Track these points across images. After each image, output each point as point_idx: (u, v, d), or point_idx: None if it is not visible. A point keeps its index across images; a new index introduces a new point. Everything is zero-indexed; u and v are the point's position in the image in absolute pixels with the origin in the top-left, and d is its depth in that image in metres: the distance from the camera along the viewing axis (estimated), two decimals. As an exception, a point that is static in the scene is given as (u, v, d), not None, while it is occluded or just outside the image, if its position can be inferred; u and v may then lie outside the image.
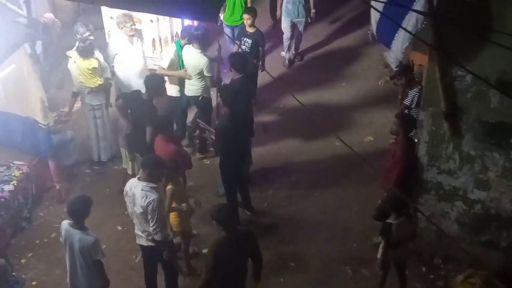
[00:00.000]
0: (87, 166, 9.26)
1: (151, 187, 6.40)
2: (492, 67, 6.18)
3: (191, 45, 8.76)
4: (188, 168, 7.70)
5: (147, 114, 7.85)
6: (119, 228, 8.22)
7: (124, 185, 8.58)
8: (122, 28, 8.97)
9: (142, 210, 6.38)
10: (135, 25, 9.05)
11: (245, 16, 9.76)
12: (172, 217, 7.15)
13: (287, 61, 11.43)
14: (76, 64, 8.59)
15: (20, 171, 8.20)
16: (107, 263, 6.81)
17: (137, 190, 6.42)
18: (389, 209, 6.53)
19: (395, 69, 9.13)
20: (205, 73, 8.71)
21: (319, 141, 9.61)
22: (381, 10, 6.73)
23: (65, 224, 6.23)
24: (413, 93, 8.11)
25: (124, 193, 6.66)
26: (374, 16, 7.27)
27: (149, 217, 6.37)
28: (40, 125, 8.33)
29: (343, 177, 8.98)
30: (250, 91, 9.03)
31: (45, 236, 8.10)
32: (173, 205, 7.02)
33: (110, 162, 9.25)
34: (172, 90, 9.09)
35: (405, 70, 8.36)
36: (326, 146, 9.50)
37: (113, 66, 9.10)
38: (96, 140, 9.06)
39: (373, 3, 6.58)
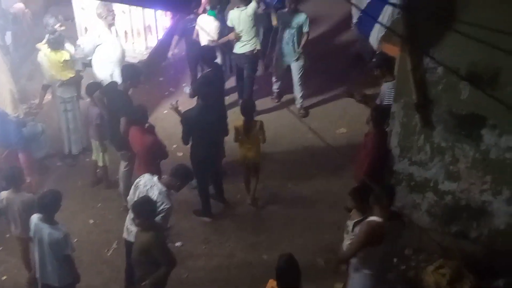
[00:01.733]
0: (59, 159, 9.17)
1: (168, 194, 6.44)
2: (463, 59, 6.21)
3: (234, 9, 9.64)
4: (164, 158, 7.68)
5: (122, 105, 7.81)
6: (91, 221, 8.18)
7: (95, 177, 8.59)
8: (104, 17, 8.85)
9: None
10: (109, 17, 8.95)
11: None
12: None
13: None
14: (47, 56, 8.48)
15: (-10, 164, 8.08)
16: (79, 256, 6.78)
17: (153, 191, 6.42)
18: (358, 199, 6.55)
19: (371, 60, 9.14)
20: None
21: (292, 133, 9.63)
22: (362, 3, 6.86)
23: (35, 218, 6.17)
24: (386, 85, 8.08)
25: (135, 184, 6.62)
26: (355, 9, 7.32)
27: (156, 219, 6.25)
28: (10, 117, 8.23)
29: (317, 169, 9.01)
30: (223, 86, 9.01)
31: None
32: None
33: (81, 154, 9.17)
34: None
35: (381, 63, 8.27)
36: (299, 137, 9.53)
37: (90, 59, 9.00)
38: (67, 133, 8.97)
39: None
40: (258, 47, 9.82)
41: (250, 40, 9.67)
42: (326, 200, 8.45)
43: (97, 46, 8.90)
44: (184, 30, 9.90)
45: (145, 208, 5.97)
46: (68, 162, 9.12)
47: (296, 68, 9.86)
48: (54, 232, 6.04)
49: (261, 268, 7.43)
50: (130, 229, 6.60)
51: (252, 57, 9.84)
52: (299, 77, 9.90)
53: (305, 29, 9.61)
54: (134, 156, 7.87)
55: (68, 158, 9.13)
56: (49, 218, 6.09)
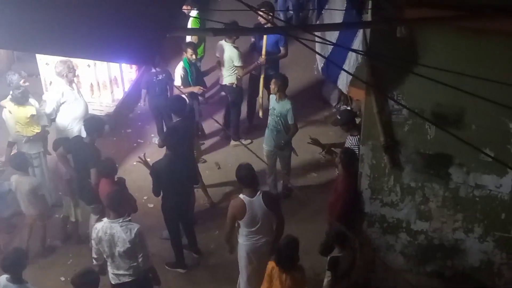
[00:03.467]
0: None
1: (128, 221, 6.48)
2: (427, 100, 6.33)
3: (223, 40, 9.88)
4: (133, 212, 7.58)
5: (90, 157, 7.77)
6: (62, 278, 8.00)
7: (66, 233, 8.45)
8: (64, 76, 8.82)
9: (129, 245, 6.40)
10: (75, 73, 8.96)
11: None
12: None
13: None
14: (12, 113, 8.41)
15: (-44, 225, 7.94)
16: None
17: (115, 230, 6.40)
18: (333, 243, 6.58)
19: (337, 112, 9.22)
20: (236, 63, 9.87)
21: (262, 176, 9.60)
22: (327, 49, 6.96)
23: (3, 279, 6.02)
24: (352, 139, 8.10)
25: (97, 241, 6.54)
26: (319, 55, 7.41)
27: (138, 247, 6.46)
28: (-24, 176, 8.11)
29: (289, 215, 8.93)
30: (192, 135, 9.00)
31: None
32: None
33: (51, 210, 9.00)
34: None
35: (346, 120, 8.15)
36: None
37: (54, 117, 8.94)
38: (35, 190, 8.82)
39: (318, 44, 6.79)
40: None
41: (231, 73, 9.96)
42: (299, 246, 8.36)
43: (61, 104, 8.83)
44: (147, 83, 9.95)
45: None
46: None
47: (281, 157, 9.16)
48: None
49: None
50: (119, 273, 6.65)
51: (233, 89, 10.15)
52: (285, 165, 9.24)
53: (290, 120, 8.72)
54: (104, 209, 7.78)
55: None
56: (17, 278, 5.97)
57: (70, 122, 8.84)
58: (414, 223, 7.11)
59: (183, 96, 9.13)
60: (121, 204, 6.62)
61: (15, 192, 8.06)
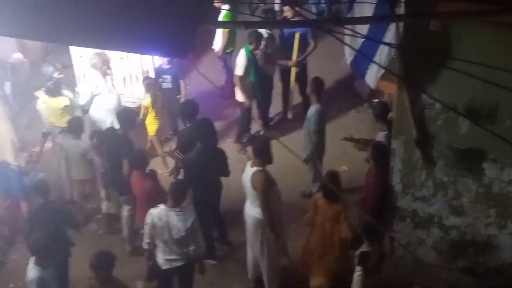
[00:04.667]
0: (60, 206, 9.13)
1: (184, 211, 6.64)
2: (460, 95, 6.28)
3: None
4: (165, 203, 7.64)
5: (123, 148, 7.86)
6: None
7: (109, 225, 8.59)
8: (98, 68, 8.94)
9: (184, 234, 6.52)
10: (104, 66, 9.07)
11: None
12: None
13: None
14: (46, 104, 8.54)
15: (-8, 214, 8.10)
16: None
17: (171, 218, 6.54)
18: (363, 237, 6.57)
19: (369, 106, 9.16)
20: None
21: (293, 173, 9.60)
22: (357, 42, 6.92)
23: None
24: (382, 135, 7.91)
25: (150, 226, 6.63)
26: (349, 49, 7.38)
27: (193, 236, 6.63)
28: (11, 166, 8.23)
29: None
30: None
31: (19, 279, 7.90)
32: None
33: (84, 201, 9.13)
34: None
35: (379, 112, 7.92)
36: (300, 178, 9.49)
37: (87, 108, 9.05)
38: (68, 180, 8.96)
39: (347, 37, 6.75)
40: None
41: None
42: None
43: (95, 96, 8.97)
44: (156, 79, 9.87)
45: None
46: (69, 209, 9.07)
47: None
48: None
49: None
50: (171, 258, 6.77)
51: None
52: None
53: (312, 125, 8.54)
54: (136, 200, 7.87)
55: (69, 205, 9.09)
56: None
57: (103, 114, 8.96)
58: (446, 218, 7.07)
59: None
60: (183, 193, 6.73)
61: (67, 156, 8.42)
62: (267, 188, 6.90)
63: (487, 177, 6.64)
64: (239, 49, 10.10)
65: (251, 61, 9.72)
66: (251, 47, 9.64)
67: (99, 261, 6.06)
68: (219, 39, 11.09)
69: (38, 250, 6.28)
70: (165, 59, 9.74)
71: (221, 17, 10.62)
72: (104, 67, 8.97)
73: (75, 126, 8.29)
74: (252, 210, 7.13)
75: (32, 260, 6.33)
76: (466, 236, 7.04)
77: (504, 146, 5.91)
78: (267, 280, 7.36)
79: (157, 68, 10.07)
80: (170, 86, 9.84)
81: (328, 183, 7.08)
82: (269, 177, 6.98)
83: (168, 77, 9.81)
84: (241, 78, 9.72)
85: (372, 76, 7.06)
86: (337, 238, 6.94)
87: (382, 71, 6.81)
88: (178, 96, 9.82)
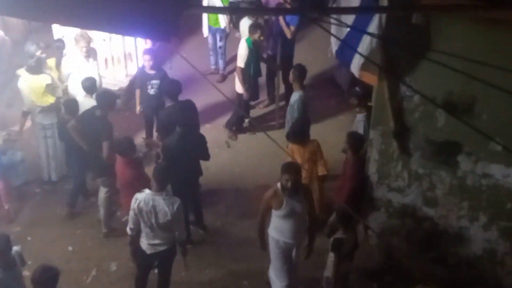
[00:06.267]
0: (37, 186, 9.11)
1: (169, 195, 6.72)
2: (439, 87, 6.37)
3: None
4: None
5: (102, 130, 7.82)
6: (70, 248, 8.10)
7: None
8: (80, 48, 8.94)
9: (170, 218, 6.49)
10: (86, 46, 9.04)
11: (145, 57, 9.30)
12: None
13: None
14: (27, 82, 8.49)
15: (-32, 191, 8.06)
16: (58, 284, 6.69)
17: (158, 203, 6.50)
18: (337, 224, 6.66)
19: (349, 88, 9.21)
20: None
21: (272, 159, 9.67)
22: (342, 32, 6.98)
23: None
24: (360, 116, 8.16)
25: (137, 211, 6.54)
26: (334, 38, 7.44)
27: (178, 220, 6.62)
28: (-11, 144, 8.20)
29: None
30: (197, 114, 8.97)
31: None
32: None
33: (61, 181, 9.13)
34: None
35: (361, 94, 8.17)
36: (279, 164, 9.53)
37: (66, 85, 9.03)
38: (47, 160, 8.95)
39: (333, 27, 6.82)
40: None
41: None
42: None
43: (69, 74, 8.97)
44: (141, 81, 9.45)
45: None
46: (47, 189, 9.07)
47: None
48: None
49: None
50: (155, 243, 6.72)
51: None
52: None
53: (295, 113, 8.64)
54: (115, 182, 7.87)
55: (47, 185, 9.09)
56: None
57: (82, 95, 8.94)
58: (420, 209, 7.18)
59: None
60: (167, 176, 6.70)
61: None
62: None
63: (461, 170, 6.75)
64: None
65: (253, 52, 9.66)
66: (253, 37, 9.57)
67: (42, 276, 5.74)
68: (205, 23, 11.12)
69: None
70: (148, 64, 9.25)
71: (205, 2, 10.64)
72: (86, 48, 8.94)
73: (90, 86, 8.38)
74: None
75: None
76: (438, 227, 7.16)
77: (479, 140, 6.09)
78: None
79: (141, 72, 9.54)
80: (155, 93, 9.32)
81: (295, 127, 7.91)
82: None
83: (155, 82, 9.25)
84: (243, 70, 9.67)
85: (356, 64, 7.13)
86: (315, 176, 7.75)
87: (363, 60, 6.88)
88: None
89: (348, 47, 7.17)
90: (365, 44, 6.65)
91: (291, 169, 6.57)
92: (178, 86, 8.50)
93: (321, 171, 7.80)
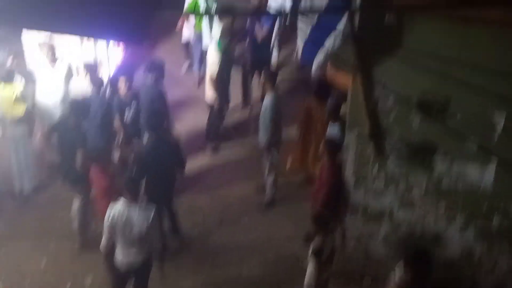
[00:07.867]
0: (10, 198, 8.93)
1: (144, 206, 6.46)
2: (414, 88, 6.36)
3: None
4: None
5: (76, 140, 7.67)
6: (44, 261, 7.94)
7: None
8: (47, 56, 8.82)
9: (146, 229, 6.34)
10: (51, 53, 8.94)
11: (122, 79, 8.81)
12: None
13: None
14: (-2, 91, 8.35)
15: None
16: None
17: (132, 214, 6.33)
18: (315, 229, 6.61)
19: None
20: None
21: (249, 166, 9.62)
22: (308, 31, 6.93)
23: None
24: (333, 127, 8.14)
25: (112, 222, 6.38)
26: (301, 38, 7.38)
27: (154, 229, 6.44)
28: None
29: (274, 202, 9.00)
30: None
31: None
32: None
33: (34, 193, 8.96)
34: None
35: (337, 108, 8.19)
36: (256, 172, 9.50)
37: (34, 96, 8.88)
38: (19, 171, 8.78)
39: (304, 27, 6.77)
40: None
41: None
42: (284, 233, 8.43)
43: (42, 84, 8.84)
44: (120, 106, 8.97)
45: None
46: (19, 201, 8.89)
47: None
48: None
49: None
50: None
51: None
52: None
53: (268, 118, 8.49)
54: (89, 192, 7.75)
55: (20, 197, 8.92)
56: None
57: (53, 103, 8.81)
58: (397, 211, 7.15)
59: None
60: (136, 186, 6.56)
61: None
62: None
63: (437, 171, 6.75)
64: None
65: (226, 57, 9.51)
66: (225, 41, 9.45)
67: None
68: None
69: None
70: (124, 86, 8.77)
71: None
72: (51, 55, 8.82)
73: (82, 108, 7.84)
74: None
75: None
76: (415, 229, 7.15)
77: (454, 140, 6.09)
78: None
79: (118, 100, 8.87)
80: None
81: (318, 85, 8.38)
82: None
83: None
84: (215, 79, 9.48)
85: (316, 63, 7.08)
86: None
87: (325, 58, 6.85)
88: None
89: (312, 45, 7.09)
90: (336, 41, 6.60)
91: None
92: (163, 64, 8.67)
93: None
